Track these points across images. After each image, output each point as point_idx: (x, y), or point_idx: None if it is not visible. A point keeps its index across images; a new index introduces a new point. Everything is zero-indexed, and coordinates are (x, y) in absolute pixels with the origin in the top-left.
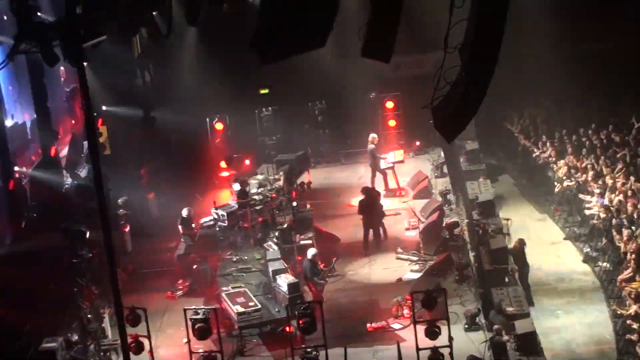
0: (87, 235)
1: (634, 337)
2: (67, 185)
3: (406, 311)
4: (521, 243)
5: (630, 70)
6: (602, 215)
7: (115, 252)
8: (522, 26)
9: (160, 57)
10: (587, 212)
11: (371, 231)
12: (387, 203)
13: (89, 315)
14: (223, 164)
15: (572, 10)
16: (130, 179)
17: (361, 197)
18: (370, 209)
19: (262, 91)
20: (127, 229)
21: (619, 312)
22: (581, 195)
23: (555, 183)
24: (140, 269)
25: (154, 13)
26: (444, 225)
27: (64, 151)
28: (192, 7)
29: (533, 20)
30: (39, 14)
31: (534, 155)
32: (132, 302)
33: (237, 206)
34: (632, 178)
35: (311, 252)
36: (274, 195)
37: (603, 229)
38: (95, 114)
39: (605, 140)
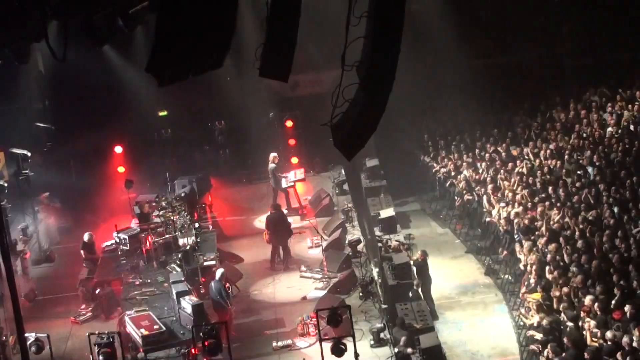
0: None
1: (537, 347)
2: None
3: (312, 329)
4: (424, 255)
5: (524, 85)
6: (502, 228)
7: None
8: (419, 44)
9: (60, 80)
10: (487, 219)
11: (280, 248)
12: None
13: None
14: (123, 187)
15: (466, 28)
16: (29, 204)
17: (269, 213)
18: (279, 225)
19: (161, 113)
20: (28, 256)
21: (521, 323)
22: (485, 203)
23: (456, 197)
24: (42, 295)
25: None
26: (346, 242)
27: None
28: (92, 31)
29: (430, 39)
30: None
31: (433, 170)
32: (35, 329)
33: (138, 229)
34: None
35: (219, 273)
36: (175, 217)
37: (503, 242)
38: None
39: (503, 153)
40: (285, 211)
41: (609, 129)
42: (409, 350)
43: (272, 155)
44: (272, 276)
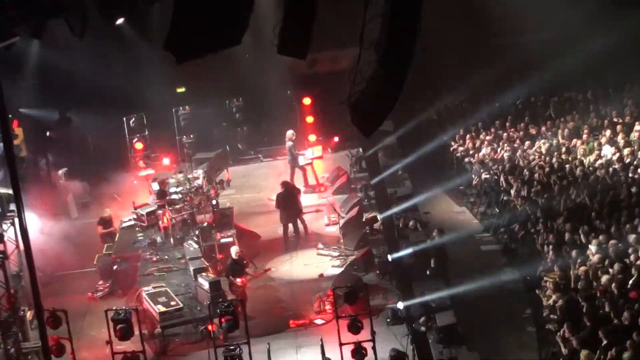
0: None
1: (553, 326)
2: None
3: (328, 307)
4: (441, 233)
5: (542, 63)
6: (519, 206)
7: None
8: (438, 21)
9: (77, 57)
10: (504, 197)
11: (291, 226)
12: (306, 199)
13: (9, 319)
14: (141, 164)
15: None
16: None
17: (280, 190)
18: (288, 203)
19: (179, 90)
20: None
21: (538, 302)
22: (502, 182)
23: (474, 176)
24: (60, 271)
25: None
26: (364, 220)
27: None
28: (107, 7)
29: (448, 16)
30: None
31: (451, 149)
32: (53, 304)
33: (156, 206)
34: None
35: (233, 250)
36: (193, 193)
37: (520, 220)
38: (10, 116)
39: (522, 132)
40: (302, 189)
41: (627, 109)
42: (425, 328)
43: (289, 132)
44: (289, 253)
